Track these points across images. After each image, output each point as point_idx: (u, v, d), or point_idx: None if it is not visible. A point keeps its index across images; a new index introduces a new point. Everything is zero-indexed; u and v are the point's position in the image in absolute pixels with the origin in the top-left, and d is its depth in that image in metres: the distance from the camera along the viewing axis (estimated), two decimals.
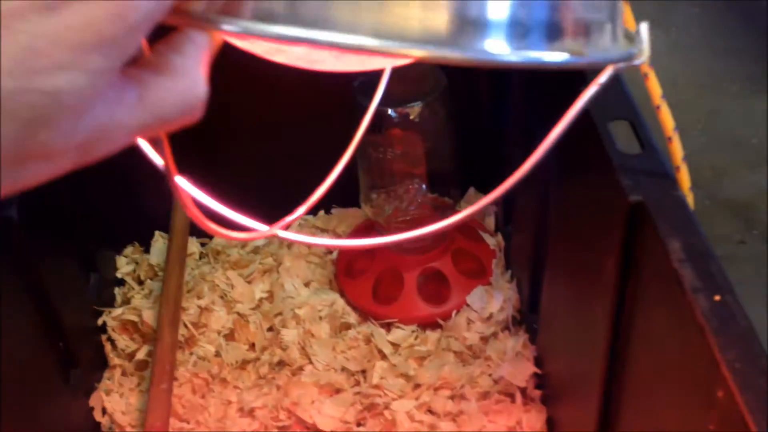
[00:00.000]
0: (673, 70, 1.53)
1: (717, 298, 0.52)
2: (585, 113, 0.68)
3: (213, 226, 0.43)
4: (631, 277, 0.63)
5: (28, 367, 0.81)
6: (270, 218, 1.15)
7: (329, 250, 1.13)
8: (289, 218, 0.54)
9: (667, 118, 0.63)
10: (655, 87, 0.62)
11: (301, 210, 0.57)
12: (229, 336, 1.03)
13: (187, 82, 0.34)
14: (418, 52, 0.33)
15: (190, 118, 0.34)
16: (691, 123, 1.41)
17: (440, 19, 0.33)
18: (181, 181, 0.42)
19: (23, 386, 0.78)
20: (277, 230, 0.51)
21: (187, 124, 0.35)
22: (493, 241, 1.09)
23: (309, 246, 1.14)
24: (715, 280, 0.53)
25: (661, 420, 0.59)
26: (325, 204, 1.13)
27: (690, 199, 0.61)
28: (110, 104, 0.30)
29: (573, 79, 0.68)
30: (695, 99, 1.46)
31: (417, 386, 0.95)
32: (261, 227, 0.54)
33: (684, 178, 0.62)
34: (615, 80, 0.71)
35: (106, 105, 0.30)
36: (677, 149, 0.63)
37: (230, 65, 1.01)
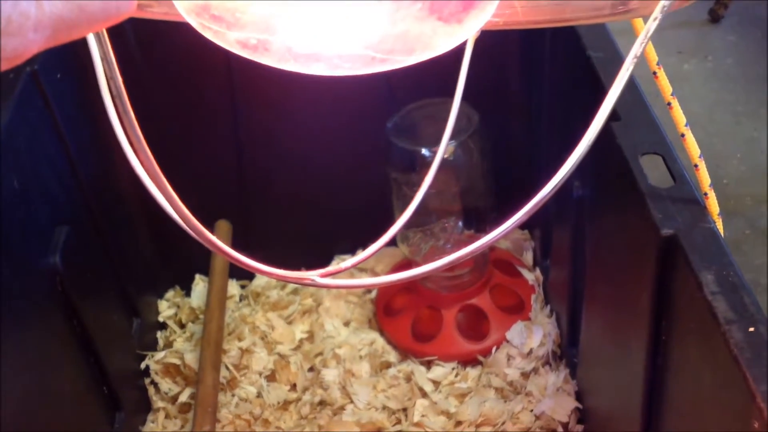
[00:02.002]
0: (710, 99, 1.53)
1: (751, 329, 0.52)
2: (616, 148, 0.69)
3: (249, 261, 0.42)
4: (665, 309, 0.62)
5: (75, 411, 0.82)
6: (308, 255, 1.16)
7: (368, 289, 1.14)
8: (333, 268, 0.52)
9: (692, 145, 0.63)
10: (679, 115, 0.63)
11: (353, 260, 0.55)
12: (271, 377, 1.04)
13: None
14: None
15: (116, 9, 0.30)
16: (729, 152, 1.40)
17: None
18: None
19: (69, 430, 0.80)
20: (316, 277, 0.50)
21: (114, 18, 0.31)
22: (532, 277, 1.09)
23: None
24: (749, 311, 0.53)
25: None
26: (362, 244, 1.14)
27: (719, 224, 0.61)
28: None
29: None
30: (733, 128, 1.46)
31: (458, 423, 0.95)
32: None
33: (712, 204, 0.62)
34: (645, 114, 0.72)
35: None
36: (704, 176, 0.63)
37: (262, 109, 1.03)
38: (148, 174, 0.37)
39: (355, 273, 1.16)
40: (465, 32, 0.39)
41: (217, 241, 0.41)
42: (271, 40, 0.37)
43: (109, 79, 0.33)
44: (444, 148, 0.63)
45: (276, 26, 0.37)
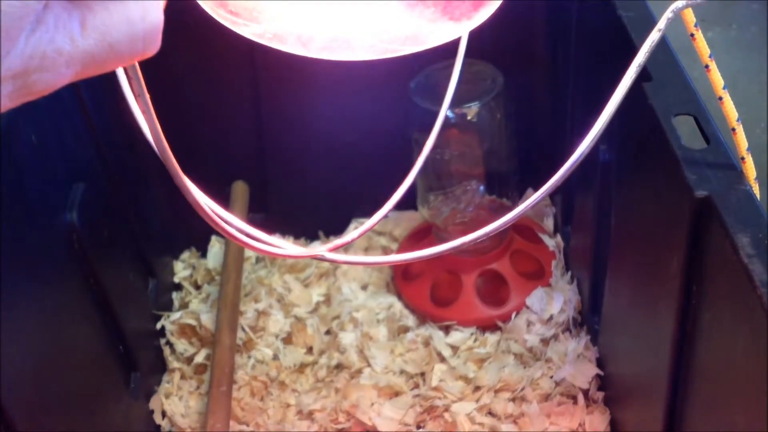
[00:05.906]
0: (734, 68, 1.51)
1: None
2: (648, 108, 0.67)
3: (246, 239, 0.43)
4: (697, 273, 0.61)
5: (90, 370, 0.81)
6: (326, 217, 1.14)
7: (386, 252, 1.12)
8: (340, 241, 0.53)
9: (730, 109, 0.61)
10: (716, 78, 0.61)
11: (358, 231, 0.55)
12: (287, 339, 1.03)
13: (136, 7, 0.31)
14: None
15: (143, 48, 0.31)
16: (753, 121, 1.38)
17: None
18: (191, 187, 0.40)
19: (85, 390, 0.79)
20: (325, 252, 0.50)
21: (140, 56, 0.32)
22: (552, 243, 1.07)
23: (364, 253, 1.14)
24: None
25: (731, 419, 0.57)
26: (382, 206, 1.12)
27: (756, 189, 0.59)
28: (49, 29, 0.28)
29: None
30: (756, 97, 1.43)
31: (477, 388, 0.94)
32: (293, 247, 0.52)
33: (749, 168, 0.60)
34: (678, 74, 0.70)
35: (45, 30, 0.28)
36: (742, 140, 0.61)
37: (283, 68, 1.01)
38: (160, 151, 0.37)
39: (372, 237, 1.15)
40: (474, 23, 0.41)
41: (228, 218, 0.41)
42: (286, 36, 0.40)
43: (137, 96, 0.34)
44: (445, 111, 0.64)
45: (291, 24, 0.40)
